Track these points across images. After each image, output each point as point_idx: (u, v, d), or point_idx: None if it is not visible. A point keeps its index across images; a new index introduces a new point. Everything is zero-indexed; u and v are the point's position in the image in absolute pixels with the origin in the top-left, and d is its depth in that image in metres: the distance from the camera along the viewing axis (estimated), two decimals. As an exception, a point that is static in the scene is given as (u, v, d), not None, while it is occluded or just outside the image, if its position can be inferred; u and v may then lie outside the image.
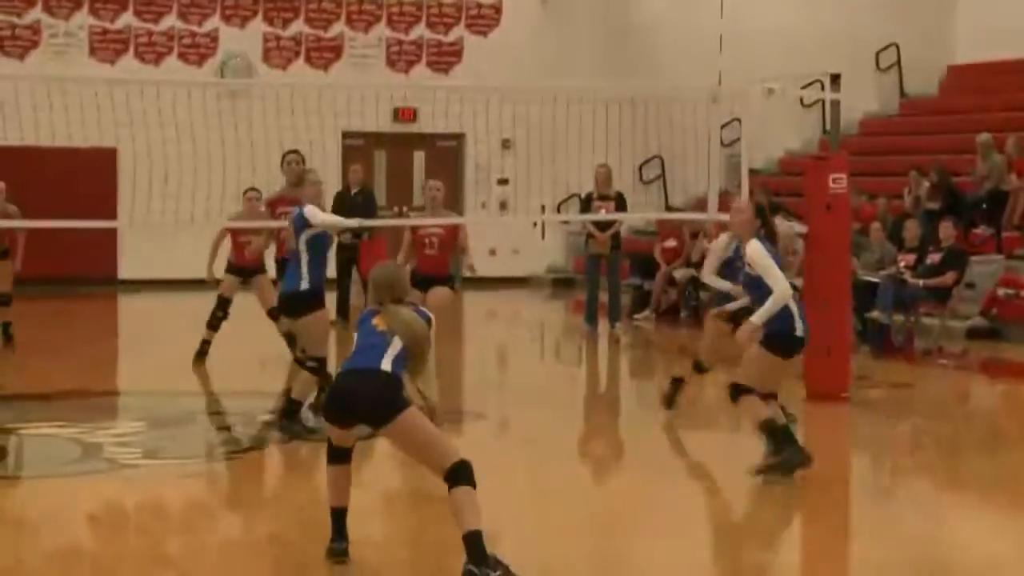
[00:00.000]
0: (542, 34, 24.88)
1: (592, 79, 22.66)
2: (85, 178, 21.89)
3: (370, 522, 7.86)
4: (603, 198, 17.57)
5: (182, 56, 23.64)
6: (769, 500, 8.92)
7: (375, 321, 6.99)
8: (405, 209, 23.75)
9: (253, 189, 14.83)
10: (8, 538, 7.92)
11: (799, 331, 9.11)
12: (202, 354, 14.18)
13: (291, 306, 10.79)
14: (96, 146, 19.86)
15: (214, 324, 14.24)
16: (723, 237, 10.68)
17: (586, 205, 18.01)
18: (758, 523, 8.30)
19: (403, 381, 6.88)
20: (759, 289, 9.11)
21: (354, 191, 18.41)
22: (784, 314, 9.05)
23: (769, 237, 9.23)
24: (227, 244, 14.58)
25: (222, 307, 14.27)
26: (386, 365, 6.83)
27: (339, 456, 7.09)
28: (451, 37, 24.95)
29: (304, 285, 10.53)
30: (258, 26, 24.06)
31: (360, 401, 6.81)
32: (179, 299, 16.34)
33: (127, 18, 23.44)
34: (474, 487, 6.70)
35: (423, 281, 12.09)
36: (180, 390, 12.81)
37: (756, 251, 9.08)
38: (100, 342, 17.18)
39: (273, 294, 14.41)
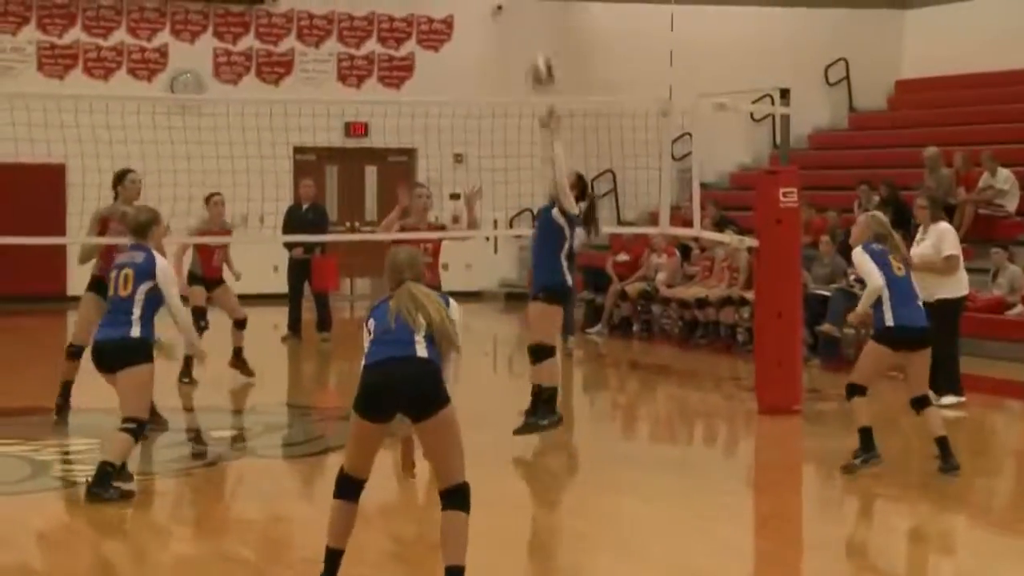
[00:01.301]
0: (493, 49, 24.90)
1: (544, 93, 22.65)
2: (33, 194, 21.71)
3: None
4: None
5: (131, 71, 23.51)
6: (722, 512, 8.94)
7: (392, 305, 6.62)
8: (357, 224, 23.75)
9: (217, 193, 14.79)
10: (-43, 558, 7.85)
11: (569, 282, 10.85)
12: (186, 374, 13.94)
13: (115, 355, 9.08)
14: (44, 162, 19.75)
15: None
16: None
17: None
18: (712, 536, 8.31)
19: (441, 370, 6.54)
20: None
21: (305, 206, 18.35)
22: (557, 267, 10.73)
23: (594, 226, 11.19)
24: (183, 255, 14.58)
25: (201, 318, 14.05)
26: (422, 352, 6.50)
27: (349, 490, 6.63)
28: (402, 52, 24.94)
29: (135, 332, 9.04)
30: (208, 41, 23.97)
31: (404, 387, 6.46)
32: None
33: (76, 33, 23.31)
34: (468, 512, 6.59)
35: None
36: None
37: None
38: (49, 359, 17.00)
39: (237, 302, 14.38)
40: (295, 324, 17.95)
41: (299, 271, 18.02)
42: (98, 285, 11.50)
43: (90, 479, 8.93)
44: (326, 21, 24.51)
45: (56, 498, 9.30)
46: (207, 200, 14.65)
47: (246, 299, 14.79)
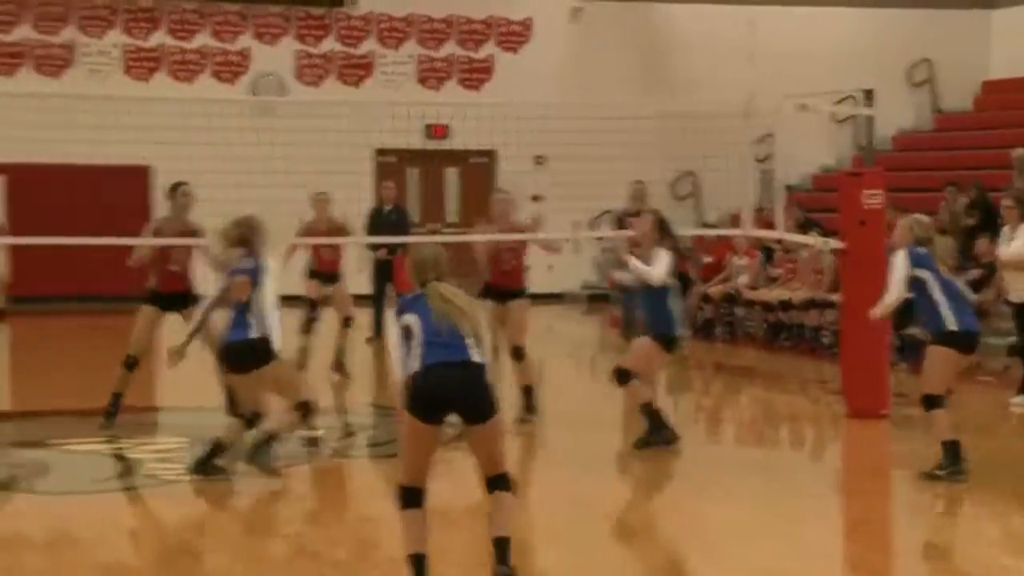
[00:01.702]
0: (572, 50, 24.89)
1: (624, 95, 22.66)
2: (119, 195, 21.93)
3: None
4: (637, 214, 17.56)
5: (215, 74, 23.72)
6: (809, 516, 8.88)
7: (432, 306, 6.77)
8: (439, 227, 23.83)
9: (322, 192, 15.09)
10: (51, 554, 7.97)
11: (678, 332, 10.92)
12: (301, 365, 14.24)
13: (240, 356, 9.73)
14: (130, 164, 19.99)
15: (307, 328, 14.56)
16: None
17: (620, 222, 18.02)
18: (798, 540, 8.26)
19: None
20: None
21: (387, 208, 18.45)
22: (668, 316, 10.80)
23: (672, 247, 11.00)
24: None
25: (312, 309, 14.62)
26: (477, 357, 6.73)
27: (413, 498, 6.77)
28: (481, 54, 24.98)
29: (254, 332, 9.63)
30: (289, 44, 24.14)
31: (462, 393, 6.67)
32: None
33: (160, 36, 23.55)
34: (513, 493, 6.82)
35: (499, 294, 12.16)
36: (221, 405, 12.85)
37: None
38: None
39: (350, 301, 14.66)
40: (379, 325, 18.03)
41: (382, 273, 18.10)
42: (155, 298, 11.69)
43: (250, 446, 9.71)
44: (405, 23, 24.61)
45: (148, 496, 9.39)
46: (313, 199, 14.98)
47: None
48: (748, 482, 9.80)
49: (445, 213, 24.43)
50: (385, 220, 18.04)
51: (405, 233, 18.00)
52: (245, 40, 23.95)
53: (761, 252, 19.20)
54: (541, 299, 23.58)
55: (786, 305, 17.74)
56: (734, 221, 19.79)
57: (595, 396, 14.78)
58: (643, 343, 10.95)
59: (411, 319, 6.76)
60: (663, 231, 10.96)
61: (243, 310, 9.66)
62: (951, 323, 9.70)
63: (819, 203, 20.80)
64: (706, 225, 23.41)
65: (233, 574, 7.59)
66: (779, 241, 17.93)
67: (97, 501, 9.23)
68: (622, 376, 10.83)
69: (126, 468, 10.11)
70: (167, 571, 7.65)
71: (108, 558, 7.85)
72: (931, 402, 9.76)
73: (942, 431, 9.75)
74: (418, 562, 6.73)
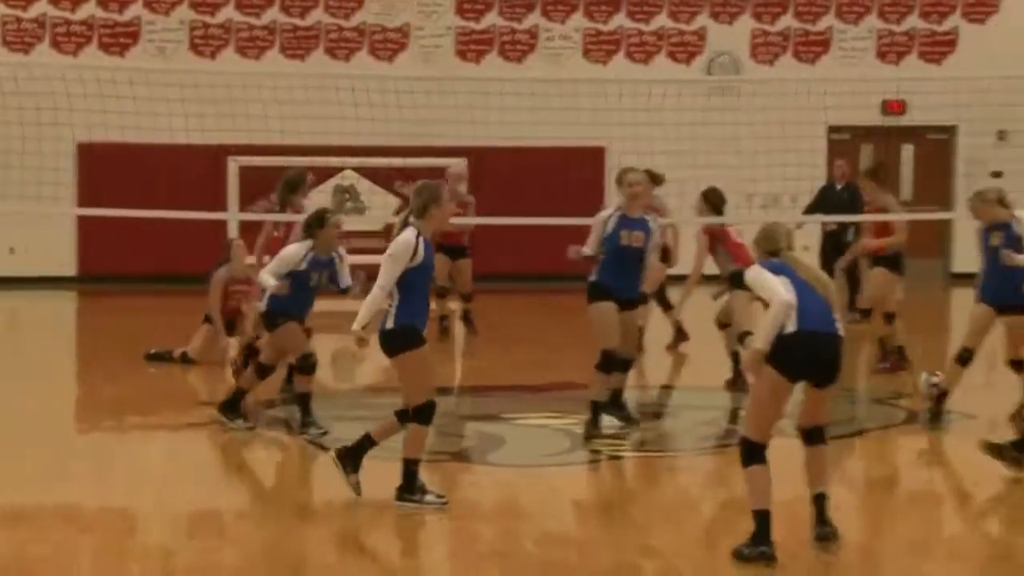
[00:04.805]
0: (1045, 17, 23.72)
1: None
2: (574, 177, 22.41)
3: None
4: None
5: (671, 55, 23.96)
6: None
7: (804, 274, 7.22)
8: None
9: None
10: (498, 522, 8.38)
11: None
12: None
13: None
14: (586, 145, 20.54)
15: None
16: None
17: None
18: None
19: None
20: None
21: (839, 187, 18.25)
22: None
23: None
24: None
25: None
26: (841, 331, 7.22)
27: (761, 455, 7.23)
28: (945, 26, 24.16)
29: None
30: (747, 22, 24.07)
31: (831, 362, 7.20)
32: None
33: (619, 19, 23.93)
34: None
35: None
36: (661, 384, 13.09)
37: None
38: (585, 340, 17.61)
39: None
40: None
41: (833, 250, 17.90)
42: None
43: None
44: (864, -3, 24.11)
45: (594, 471, 9.67)
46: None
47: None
48: None
49: (899, 191, 23.83)
50: (836, 198, 17.82)
51: (858, 212, 17.72)
52: (702, 20, 24.05)
53: None
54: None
55: None
56: None
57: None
58: None
59: (785, 281, 7.16)
60: None
61: None
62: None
63: None
64: None
65: (671, 549, 7.71)
66: None
67: (545, 474, 9.59)
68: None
69: (573, 443, 10.42)
70: (608, 544, 7.86)
71: (553, 528, 8.15)
72: None
73: None
74: (767, 518, 7.12)
